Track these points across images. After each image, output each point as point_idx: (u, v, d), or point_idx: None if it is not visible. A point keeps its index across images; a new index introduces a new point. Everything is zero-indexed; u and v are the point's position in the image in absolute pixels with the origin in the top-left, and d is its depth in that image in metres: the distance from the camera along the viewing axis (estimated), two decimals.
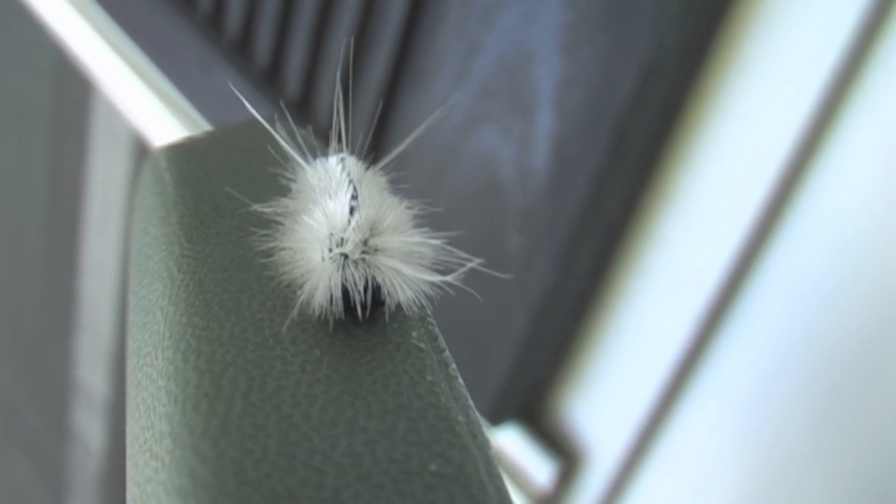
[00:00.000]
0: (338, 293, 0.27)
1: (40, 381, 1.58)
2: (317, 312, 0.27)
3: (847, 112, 0.46)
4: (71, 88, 1.22)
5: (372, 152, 0.64)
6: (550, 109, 0.52)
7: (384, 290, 0.27)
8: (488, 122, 0.55)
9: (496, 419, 0.62)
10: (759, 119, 0.49)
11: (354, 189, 0.28)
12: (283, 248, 0.28)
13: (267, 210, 0.29)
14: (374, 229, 0.27)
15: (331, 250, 0.27)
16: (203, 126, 0.80)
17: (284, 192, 0.30)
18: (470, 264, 0.28)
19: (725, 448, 0.55)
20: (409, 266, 0.27)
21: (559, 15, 0.51)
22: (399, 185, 0.31)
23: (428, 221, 0.29)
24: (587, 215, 0.53)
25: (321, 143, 0.32)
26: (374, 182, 0.30)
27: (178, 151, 0.33)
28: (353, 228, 0.27)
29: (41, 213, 1.42)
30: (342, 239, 0.27)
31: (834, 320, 0.49)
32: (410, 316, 0.28)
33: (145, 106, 0.88)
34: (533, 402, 0.63)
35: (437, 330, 0.28)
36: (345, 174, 0.29)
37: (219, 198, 0.31)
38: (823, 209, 0.48)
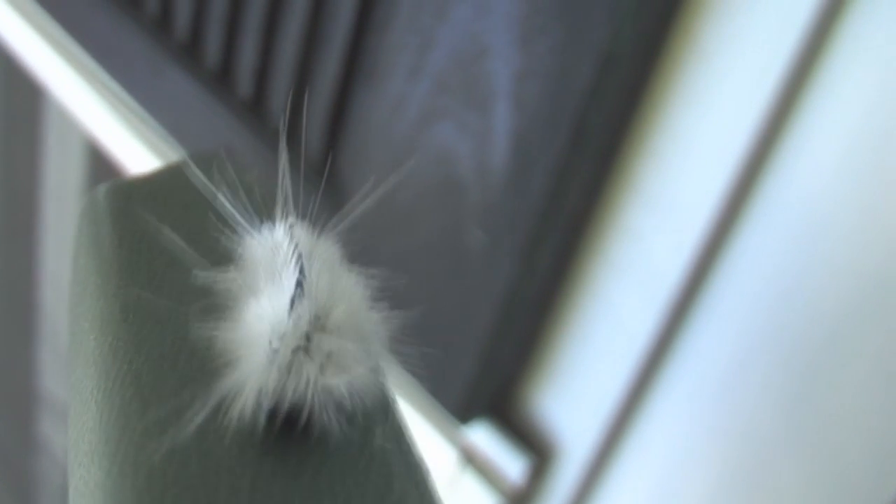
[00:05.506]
0: (265, 403, 0.24)
1: (4, 391, 1.56)
2: (246, 419, 0.24)
3: (809, 96, 0.46)
4: (20, 95, 1.20)
5: (327, 153, 0.63)
6: (508, 102, 0.52)
7: (303, 415, 0.24)
8: (445, 118, 0.55)
9: (466, 417, 0.61)
10: (720, 105, 0.48)
11: (301, 272, 0.25)
12: (223, 338, 0.25)
13: (210, 279, 0.27)
14: (321, 324, 0.25)
15: (270, 343, 0.24)
16: (153, 127, 0.78)
17: (229, 255, 0.28)
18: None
19: (698, 437, 0.55)
20: (348, 383, 0.24)
21: (513, 6, 0.50)
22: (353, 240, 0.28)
23: (388, 295, 0.27)
24: (549, 209, 0.52)
25: (272, 176, 0.30)
26: (325, 255, 0.27)
27: (117, 203, 0.31)
28: (293, 328, 0.24)
29: None
30: (283, 335, 0.24)
31: (802, 306, 0.49)
32: (372, 409, 0.25)
33: (96, 110, 0.87)
34: (502, 398, 0.62)
35: (403, 420, 0.25)
36: (291, 253, 0.26)
37: (157, 264, 0.28)
38: (788, 195, 0.48)
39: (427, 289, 0.58)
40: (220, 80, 0.70)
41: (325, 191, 0.62)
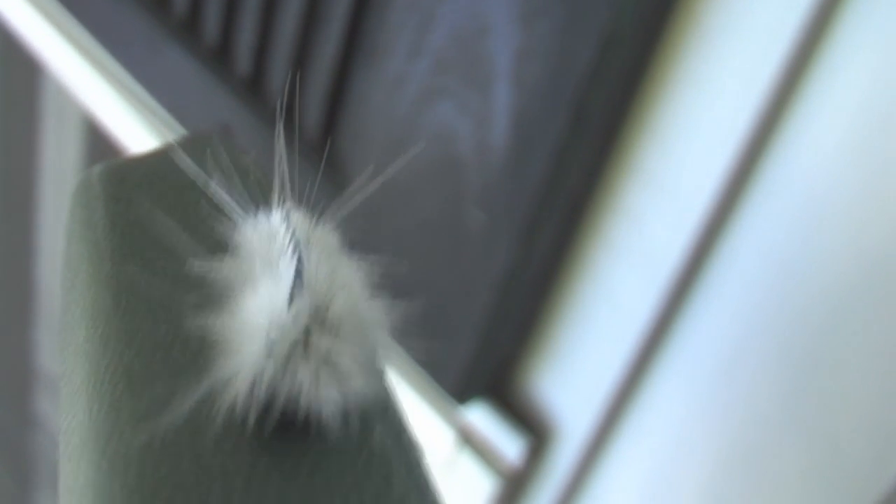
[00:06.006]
0: (259, 394, 0.23)
1: (1, 369, 1.56)
2: (238, 410, 0.23)
3: (811, 78, 0.46)
4: (19, 72, 1.20)
5: (327, 132, 0.62)
6: (508, 82, 0.51)
7: (299, 415, 0.23)
8: (444, 97, 0.54)
9: (464, 397, 0.61)
10: (722, 87, 0.48)
11: (299, 261, 0.24)
12: (218, 330, 0.24)
13: (205, 267, 0.26)
14: (321, 316, 0.23)
15: (269, 335, 0.23)
16: (152, 105, 0.78)
17: (225, 242, 0.27)
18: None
19: (697, 419, 0.55)
20: (345, 382, 0.23)
21: None
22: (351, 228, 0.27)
23: (388, 281, 0.26)
24: (549, 189, 0.52)
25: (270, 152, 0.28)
26: (324, 242, 0.26)
27: (110, 187, 0.29)
28: (292, 321, 0.23)
29: None
30: (281, 330, 0.23)
31: (803, 288, 0.49)
32: (372, 406, 0.24)
33: (94, 87, 0.86)
34: (501, 378, 0.62)
35: (403, 416, 0.24)
36: (289, 241, 0.25)
37: (151, 251, 0.27)
38: (789, 177, 0.48)
39: (425, 269, 0.58)
40: (219, 58, 0.70)
41: (324, 170, 0.62)
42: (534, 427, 0.61)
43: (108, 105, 0.85)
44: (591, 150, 0.52)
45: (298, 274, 0.24)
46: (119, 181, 0.30)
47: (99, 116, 0.88)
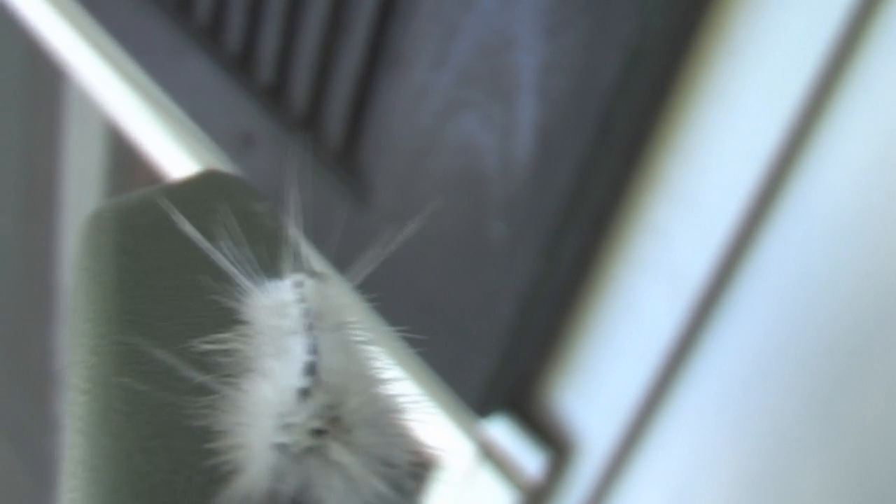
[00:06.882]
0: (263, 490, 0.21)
1: (23, 370, 1.57)
2: None
3: (841, 94, 0.45)
4: (42, 77, 1.20)
5: (350, 142, 0.62)
6: (533, 95, 0.51)
7: None
8: (468, 109, 0.54)
9: (485, 410, 0.61)
10: (750, 102, 0.47)
11: (312, 350, 0.22)
12: (222, 420, 0.23)
13: (210, 343, 0.24)
14: (334, 414, 0.22)
15: (276, 436, 0.22)
16: (174, 112, 0.78)
17: (234, 306, 0.25)
18: None
19: (720, 436, 0.54)
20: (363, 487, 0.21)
21: None
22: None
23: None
24: (573, 203, 0.51)
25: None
26: (339, 316, 0.24)
27: (120, 235, 0.28)
28: (303, 425, 0.21)
29: (16, 203, 1.41)
30: (291, 434, 0.21)
31: (830, 306, 0.48)
32: None
33: (117, 93, 0.86)
34: (522, 392, 0.62)
35: None
36: (300, 317, 0.23)
37: (158, 316, 0.26)
38: (818, 193, 0.47)
39: (448, 281, 0.58)
40: (242, 65, 0.70)
41: (346, 181, 0.62)
42: (555, 441, 0.61)
43: (130, 111, 0.85)
44: (616, 164, 0.51)
45: (311, 368, 0.22)
46: (129, 228, 0.28)
47: (121, 122, 0.88)
